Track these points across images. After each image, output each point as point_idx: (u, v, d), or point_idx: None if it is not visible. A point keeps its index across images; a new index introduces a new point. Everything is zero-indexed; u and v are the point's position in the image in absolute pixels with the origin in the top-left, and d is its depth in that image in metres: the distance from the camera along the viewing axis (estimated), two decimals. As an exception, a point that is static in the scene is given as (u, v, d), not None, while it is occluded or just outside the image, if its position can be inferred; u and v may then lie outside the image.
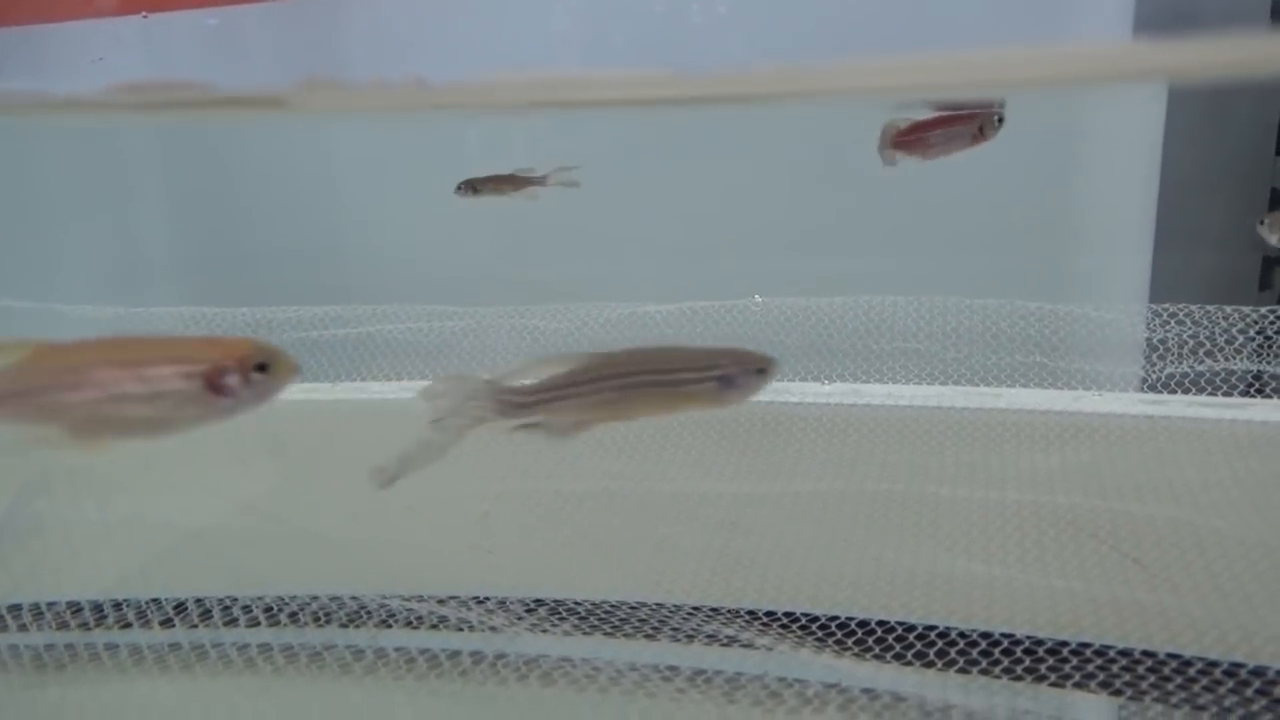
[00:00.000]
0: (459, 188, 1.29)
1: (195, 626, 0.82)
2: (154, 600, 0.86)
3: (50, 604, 0.87)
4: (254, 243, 1.75)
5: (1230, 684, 0.66)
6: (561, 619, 0.82)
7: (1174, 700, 0.66)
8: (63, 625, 0.85)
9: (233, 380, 0.54)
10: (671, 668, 0.76)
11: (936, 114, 1.01)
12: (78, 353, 0.56)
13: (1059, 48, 0.71)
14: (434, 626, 0.82)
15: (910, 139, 1.03)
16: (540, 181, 1.27)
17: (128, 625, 0.83)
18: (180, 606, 0.85)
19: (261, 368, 0.55)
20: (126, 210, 1.77)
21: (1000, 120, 1.00)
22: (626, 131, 1.53)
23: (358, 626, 0.82)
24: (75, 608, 0.86)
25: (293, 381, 0.56)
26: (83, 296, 1.53)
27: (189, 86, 0.47)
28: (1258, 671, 0.67)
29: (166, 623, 0.83)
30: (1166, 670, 0.69)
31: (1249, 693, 0.65)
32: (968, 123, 1.01)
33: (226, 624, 0.83)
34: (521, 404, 0.64)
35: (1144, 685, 0.68)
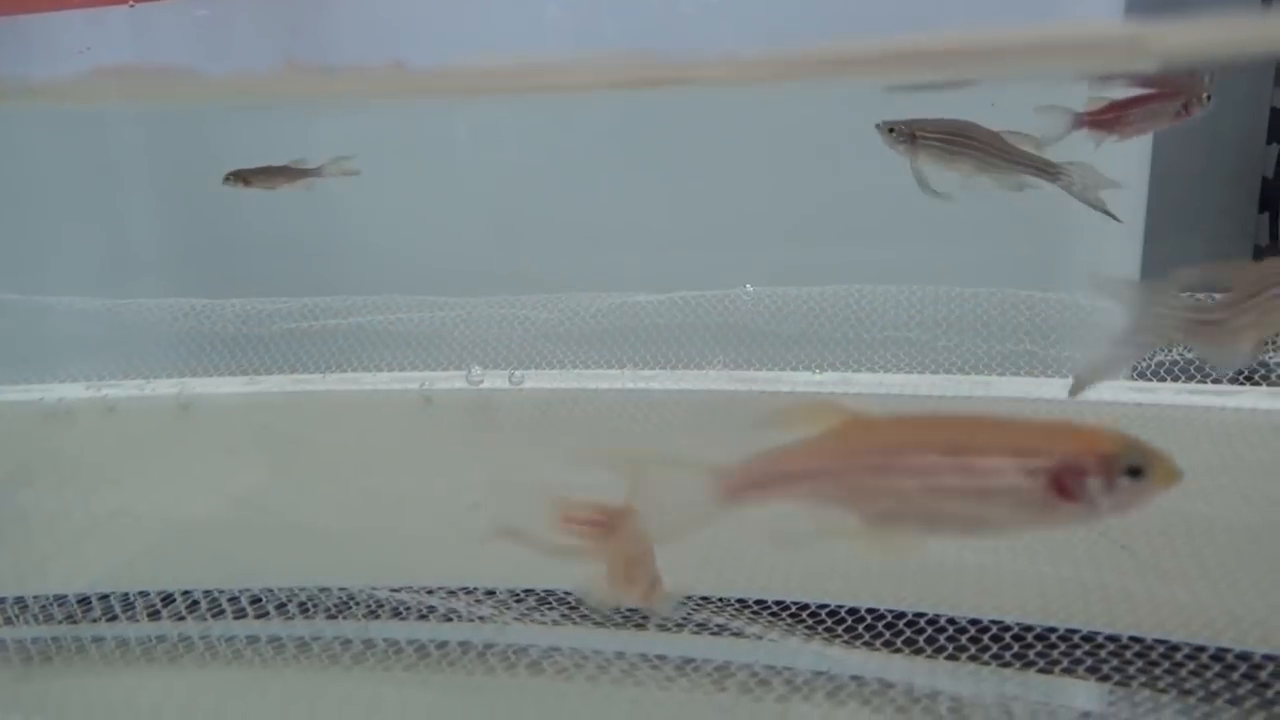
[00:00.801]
0: (226, 179, 1.26)
1: (182, 619, 0.82)
2: (141, 593, 0.86)
3: (36, 597, 0.87)
4: (243, 233, 1.74)
5: (1216, 668, 0.66)
6: (550, 608, 0.82)
7: (1161, 685, 0.66)
8: (49, 619, 0.84)
9: (1093, 485, 0.43)
10: (660, 656, 0.76)
11: (1136, 91, 0.95)
12: (894, 430, 0.47)
13: (1051, 28, 0.70)
14: (423, 617, 0.81)
15: (1108, 118, 0.98)
16: (316, 173, 1.25)
17: (114, 618, 0.83)
18: (168, 599, 0.84)
19: (1135, 471, 0.43)
20: (114, 201, 1.76)
21: (1208, 98, 0.93)
22: (617, 121, 1.52)
23: (345, 617, 0.82)
24: (61, 601, 0.86)
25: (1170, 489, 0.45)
26: (71, 288, 1.52)
27: (174, 73, 0.46)
28: (1244, 656, 0.67)
29: (153, 615, 0.83)
30: (1154, 655, 0.69)
31: (1235, 677, 0.65)
32: (1171, 99, 0.95)
33: (214, 616, 0.82)
34: (1204, 320, 0.58)
35: (1131, 670, 0.68)
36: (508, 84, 0.49)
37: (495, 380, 1.32)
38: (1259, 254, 1.71)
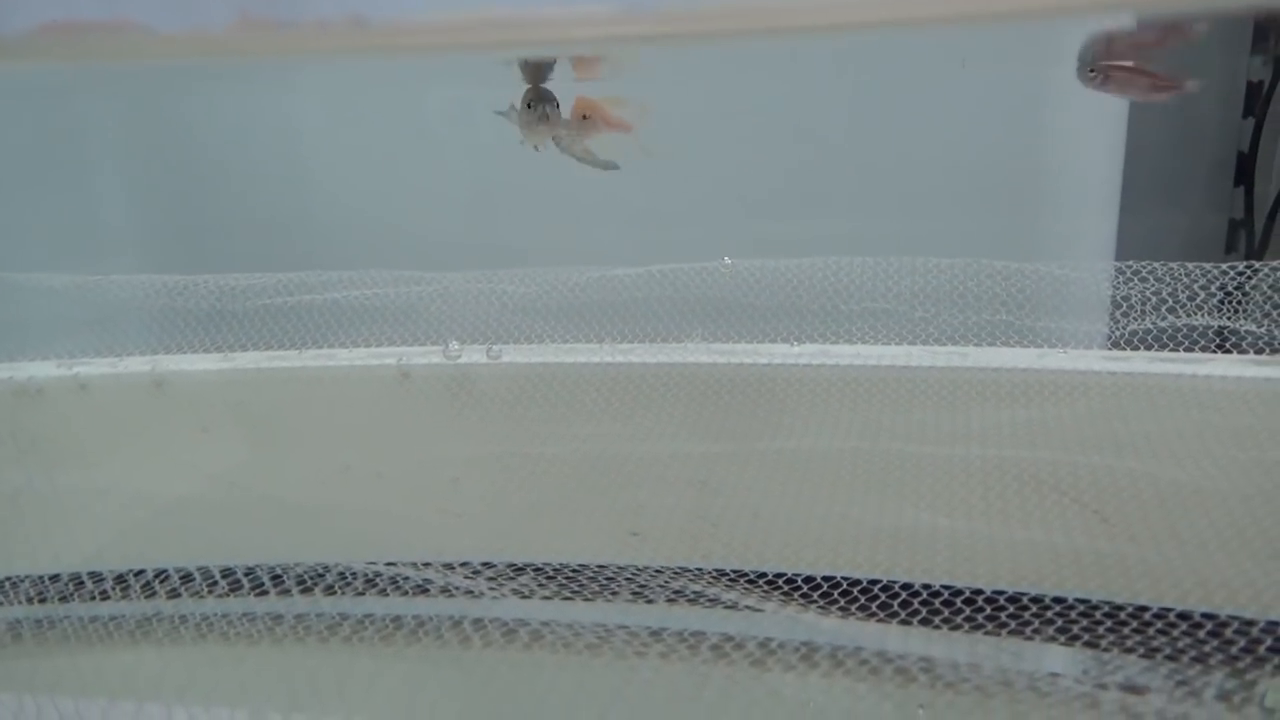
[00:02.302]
0: None
1: (154, 594, 0.81)
2: (112, 570, 0.85)
3: (26, 576, 0.86)
4: (216, 208, 1.72)
5: (1184, 627, 0.67)
6: (526, 576, 0.82)
7: (1129, 644, 0.67)
8: (18, 598, 0.83)
9: None
10: (638, 625, 0.76)
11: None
12: None
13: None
14: (397, 588, 0.81)
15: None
16: None
17: (85, 595, 0.82)
18: (139, 574, 0.84)
19: None
20: (82, 174, 1.73)
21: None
22: (590, 92, 1.51)
23: (320, 591, 0.81)
24: (31, 579, 0.85)
25: None
26: (40, 265, 1.49)
27: (121, 28, 0.45)
28: (1210, 615, 0.68)
29: (125, 590, 0.82)
30: (1123, 616, 0.70)
31: (1201, 635, 0.66)
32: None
33: (188, 590, 0.82)
34: None
35: (1100, 630, 0.69)
36: (482, 41, 0.49)
37: (473, 355, 1.31)
38: (1234, 228, 1.73)
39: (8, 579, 0.85)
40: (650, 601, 0.77)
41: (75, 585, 0.83)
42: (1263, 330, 1.11)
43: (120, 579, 0.82)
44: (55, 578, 0.84)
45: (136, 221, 1.78)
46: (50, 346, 1.42)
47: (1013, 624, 0.72)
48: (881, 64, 1.41)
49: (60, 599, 0.82)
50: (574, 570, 0.83)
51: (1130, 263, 1.18)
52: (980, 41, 1.44)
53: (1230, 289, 1.13)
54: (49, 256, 1.61)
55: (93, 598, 0.81)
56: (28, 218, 1.69)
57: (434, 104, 1.61)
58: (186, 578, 0.81)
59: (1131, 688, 0.63)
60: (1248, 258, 1.63)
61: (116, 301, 1.47)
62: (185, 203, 1.76)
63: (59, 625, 0.78)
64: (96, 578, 0.83)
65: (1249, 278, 1.15)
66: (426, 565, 0.83)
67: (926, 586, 0.77)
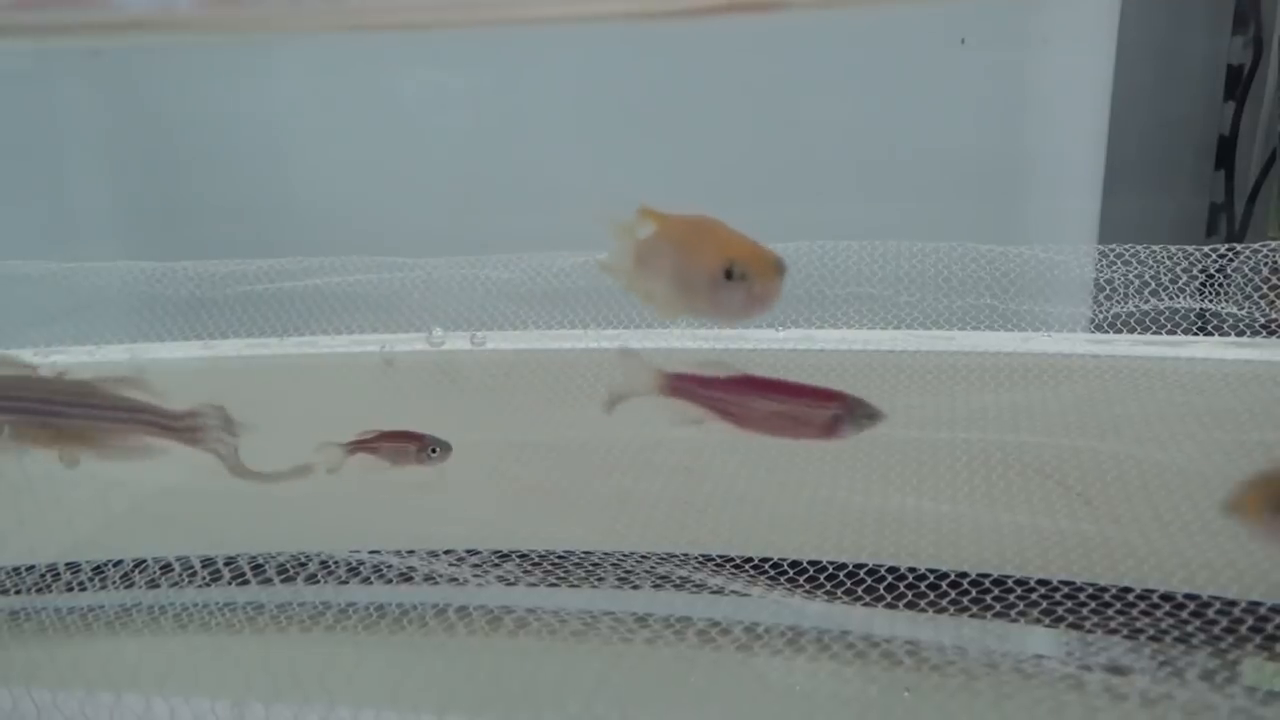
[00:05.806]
0: None
1: (133, 584, 0.80)
2: (90, 560, 0.84)
3: (1, 567, 0.84)
4: (195, 193, 1.69)
5: (1167, 608, 0.68)
6: (511, 563, 0.81)
7: (1113, 626, 0.67)
8: (17, 589, 0.82)
9: None
10: (623, 611, 0.76)
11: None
12: None
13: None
14: (380, 575, 0.81)
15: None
16: None
17: (62, 586, 0.81)
18: (118, 564, 0.83)
19: None
20: (60, 161, 1.70)
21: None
22: (578, 76, 1.50)
23: (302, 579, 0.80)
24: (30, 569, 0.84)
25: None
26: (12, 252, 1.47)
27: (93, 2, 0.44)
28: (1192, 596, 0.68)
29: (103, 581, 0.81)
30: (1107, 597, 0.70)
31: (1184, 615, 0.67)
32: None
33: (167, 580, 0.81)
34: None
35: (1085, 612, 0.69)
36: (462, 17, 0.47)
37: (457, 342, 1.31)
38: (1215, 211, 1.74)
39: (27, 568, 0.83)
40: (636, 587, 0.77)
41: (52, 576, 0.82)
42: (1243, 312, 1.11)
43: (98, 569, 0.81)
44: (31, 568, 0.83)
45: (113, 207, 1.75)
46: (26, 335, 1.40)
47: (998, 607, 0.72)
48: (867, 47, 1.40)
49: (36, 590, 0.81)
50: (559, 556, 0.82)
51: (1113, 246, 1.18)
52: (966, 25, 1.43)
53: (1212, 272, 1.13)
54: (23, 244, 1.58)
55: (70, 589, 0.80)
56: (1, 205, 1.66)
57: (414, 87, 1.59)
58: (166, 568, 0.80)
59: (1115, 669, 0.63)
60: (1229, 241, 1.64)
61: (93, 289, 1.45)
62: (163, 188, 1.73)
63: (35, 617, 0.77)
64: (74, 568, 0.81)
65: (1230, 261, 1.15)
66: (410, 553, 0.82)
67: (912, 570, 0.77)
